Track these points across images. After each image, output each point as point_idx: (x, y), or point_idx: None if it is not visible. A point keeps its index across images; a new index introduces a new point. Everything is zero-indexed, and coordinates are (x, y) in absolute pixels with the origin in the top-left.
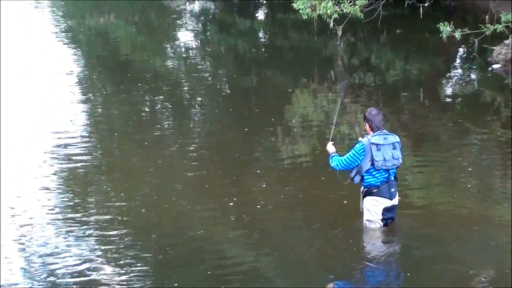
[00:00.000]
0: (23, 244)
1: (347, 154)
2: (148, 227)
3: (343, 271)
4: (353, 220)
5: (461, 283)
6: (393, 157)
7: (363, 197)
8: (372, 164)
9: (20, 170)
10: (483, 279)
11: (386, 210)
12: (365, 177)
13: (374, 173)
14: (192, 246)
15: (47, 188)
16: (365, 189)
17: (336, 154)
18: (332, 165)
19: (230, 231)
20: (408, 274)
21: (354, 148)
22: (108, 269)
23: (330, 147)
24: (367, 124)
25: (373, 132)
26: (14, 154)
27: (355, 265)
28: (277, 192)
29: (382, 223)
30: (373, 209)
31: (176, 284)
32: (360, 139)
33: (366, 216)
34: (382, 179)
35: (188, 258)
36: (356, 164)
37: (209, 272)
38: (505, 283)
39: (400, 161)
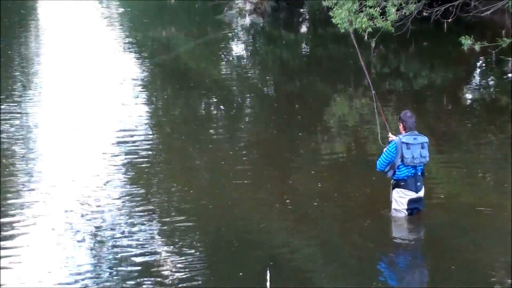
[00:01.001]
0: (93, 229)
1: (382, 154)
2: (204, 215)
3: (373, 253)
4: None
5: (472, 267)
6: (421, 155)
7: (392, 189)
8: (402, 161)
9: (91, 164)
10: (499, 267)
11: (411, 201)
12: (396, 172)
13: (402, 168)
14: (244, 233)
15: (115, 180)
16: (394, 181)
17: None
18: (379, 168)
19: (279, 221)
20: (430, 257)
21: (387, 147)
22: (168, 252)
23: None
24: (401, 124)
25: (405, 132)
26: (86, 150)
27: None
28: (318, 184)
29: (407, 213)
30: (399, 200)
31: (226, 267)
32: (392, 137)
33: (393, 205)
34: (409, 173)
35: (239, 243)
36: (391, 160)
37: (247, 253)
38: None
39: (427, 159)
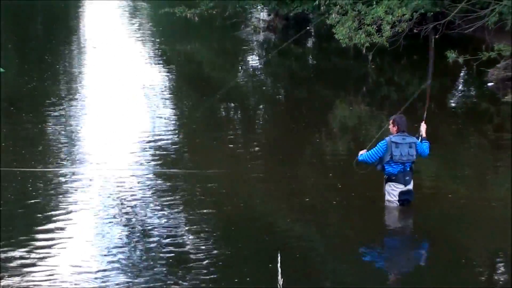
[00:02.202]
0: (129, 216)
1: (372, 149)
2: (222, 205)
3: (370, 238)
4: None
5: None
6: (408, 154)
7: (385, 183)
8: (391, 158)
9: (124, 161)
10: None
11: (402, 193)
12: (385, 167)
13: (392, 164)
14: (257, 220)
15: (145, 175)
16: (386, 176)
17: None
18: (360, 158)
19: (288, 210)
20: (415, 237)
21: (378, 144)
22: (191, 237)
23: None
24: (395, 126)
25: (397, 133)
26: (120, 148)
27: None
28: (323, 178)
29: (398, 203)
30: (391, 192)
31: (241, 250)
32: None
33: (386, 197)
34: (398, 169)
35: (253, 230)
36: (379, 156)
37: (259, 241)
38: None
39: (415, 157)
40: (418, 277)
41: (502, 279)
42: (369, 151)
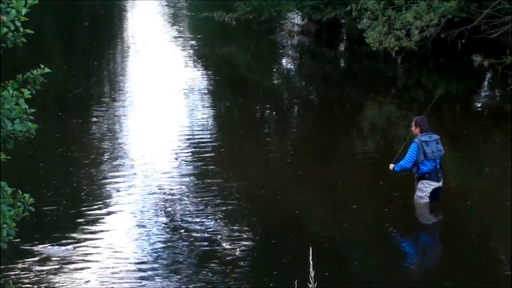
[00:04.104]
0: (167, 213)
1: (406, 155)
2: (256, 201)
3: (398, 232)
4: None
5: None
6: (437, 149)
7: (418, 181)
8: (425, 156)
9: (165, 160)
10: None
11: (434, 190)
12: (420, 167)
13: (426, 163)
14: (289, 216)
15: (185, 173)
16: (419, 175)
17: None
18: (396, 169)
19: (318, 207)
20: (444, 233)
21: (410, 148)
22: (227, 232)
23: None
24: (418, 128)
25: (421, 134)
26: (161, 147)
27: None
28: (353, 177)
29: (429, 200)
30: (424, 189)
31: (273, 244)
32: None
33: (419, 194)
34: (431, 167)
35: (286, 225)
36: (414, 159)
37: (292, 236)
38: None
39: (443, 152)
40: (446, 273)
41: None
42: (404, 159)
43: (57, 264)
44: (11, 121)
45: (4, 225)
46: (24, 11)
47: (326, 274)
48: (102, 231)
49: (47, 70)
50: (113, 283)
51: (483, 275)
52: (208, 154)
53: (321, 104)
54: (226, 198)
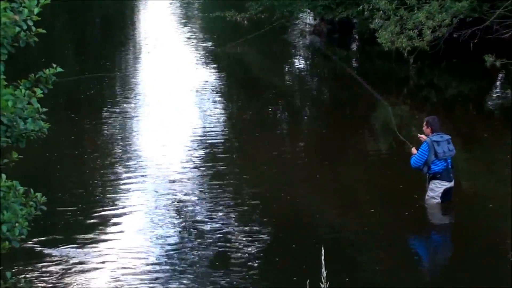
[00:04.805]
0: (179, 213)
1: (417, 154)
2: (268, 200)
3: (410, 232)
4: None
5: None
6: (448, 149)
7: (429, 181)
8: (436, 156)
9: (176, 158)
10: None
11: (446, 190)
12: (431, 167)
13: (437, 163)
14: (301, 215)
15: (196, 172)
16: (431, 175)
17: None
18: (413, 166)
19: (329, 206)
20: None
21: (421, 148)
22: (239, 230)
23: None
24: (429, 128)
25: (432, 134)
26: (173, 145)
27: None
28: (363, 176)
29: (440, 200)
30: (435, 189)
31: (285, 242)
32: (423, 137)
33: (430, 194)
34: (443, 167)
35: (297, 223)
36: (425, 158)
37: (304, 236)
38: None
39: (454, 151)
40: (458, 272)
41: None
42: (415, 156)
43: (73, 265)
44: (23, 120)
45: (17, 224)
46: (36, 10)
47: (338, 274)
48: (116, 232)
49: (59, 69)
50: (130, 284)
51: (496, 276)
52: (220, 155)
53: (332, 103)
54: (238, 199)
